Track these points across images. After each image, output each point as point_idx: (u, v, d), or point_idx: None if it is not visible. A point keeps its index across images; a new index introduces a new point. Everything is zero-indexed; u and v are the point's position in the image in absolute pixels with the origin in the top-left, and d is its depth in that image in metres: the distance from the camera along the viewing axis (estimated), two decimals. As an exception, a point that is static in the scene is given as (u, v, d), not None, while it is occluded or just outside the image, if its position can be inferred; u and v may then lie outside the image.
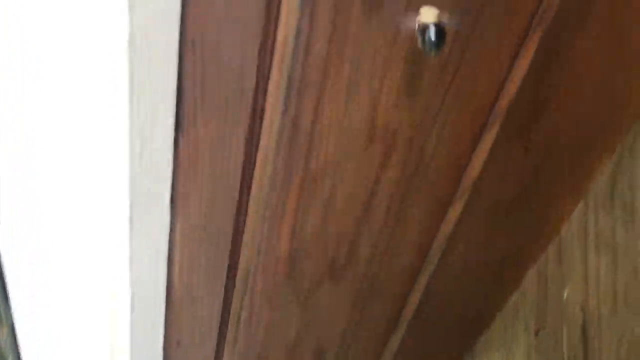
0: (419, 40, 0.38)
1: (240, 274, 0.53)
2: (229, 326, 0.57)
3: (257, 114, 0.42)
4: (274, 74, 0.40)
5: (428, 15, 0.38)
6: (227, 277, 0.52)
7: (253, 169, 0.45)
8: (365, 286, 0.62)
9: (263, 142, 0.44)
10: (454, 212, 0.58)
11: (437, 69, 0.44)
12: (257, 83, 0.40)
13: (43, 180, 0.49)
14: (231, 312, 0.56)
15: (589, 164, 0.61)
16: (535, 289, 0.70)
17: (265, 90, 0.41)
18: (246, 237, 0.50)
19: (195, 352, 0.59)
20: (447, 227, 0.59)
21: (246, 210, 0.48)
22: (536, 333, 0.70)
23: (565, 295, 0.66)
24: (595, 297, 0.62)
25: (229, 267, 0.52)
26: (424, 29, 0.37)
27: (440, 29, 0.37)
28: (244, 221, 0.49)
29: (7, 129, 0.47)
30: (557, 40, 0.47)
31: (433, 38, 0.37)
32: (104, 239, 0.44)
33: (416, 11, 0.38)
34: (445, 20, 0.37)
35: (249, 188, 0.46)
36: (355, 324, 0.66)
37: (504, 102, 0.50)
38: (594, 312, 0.62)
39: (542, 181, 0.60)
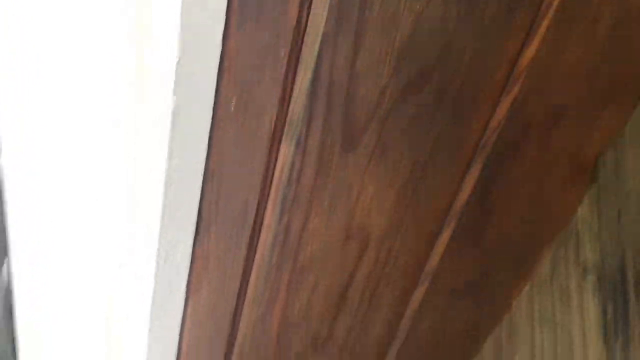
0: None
1: (236, 350, 0.62)
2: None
3: (257, 223, 0.53)
4: (272, 194, 0.51)
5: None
6: (225, 353, 0.62)
7: (252, 265, 0.55)
8: (344, 358, 0.72)
9: (261, 243, 0.54)
10: (418, 295, 0.68)
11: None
12: (259, 203, 0.51)
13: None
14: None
15: (532, 257, 0.73)
16: (491, 358, 0.80)
17: (265, 206, 0.52)
18: (243, 318, 0.60)
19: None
20: (412, 307, 0.70)
21: (244, 297, 0.58)
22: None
23: (516, 365, 0.76)
24: (540, 368, 0.73)
25: (227, 343, 0.62)
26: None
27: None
28: (243, 304, 0.59)
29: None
30: (498, 162, 0.59)
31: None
32: (129, 321, 0.54)
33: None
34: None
35: (248, 280, 0.57)
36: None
37: (457, 206, 0.62)
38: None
39: (493, 269, 0.71)
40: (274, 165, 0.49)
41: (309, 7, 0.39)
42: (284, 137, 0.47)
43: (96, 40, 0.43)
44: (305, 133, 0.47)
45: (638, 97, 0.58)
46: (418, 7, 0.40)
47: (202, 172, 0.46)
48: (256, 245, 0.55)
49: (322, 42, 0.41)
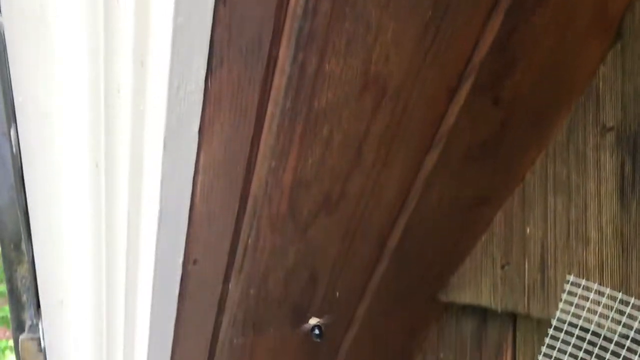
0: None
1: (250, 202, 0.62)
2: (238, 249, 0.67)
3: (271, 60, 0.51)
4: (287, 28, 0.49)
5: None
6: (239, 204, 0.62)
7: (266, 108, 0.54)
8: (354, 221, 0.72)
9: (275, 85, 0.53)
10: (433, 156, 0.67)
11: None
12: (273, 35, 0.48)
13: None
14: (240, 236, 0.66)
15: (549, 119, 0.71)
16: (502, 229, 0.80)
17: (279, 42, 0.50)
18: (257, 169, 0.59)
19: (208, 272, 0.68)
20: (426, 170, 0.69)
21: (258, 145, 0.57)
22: (502, 267, 0.80)
23: (527, 232, 0.76)
24: (553, 232, 0.73)
25: (241, 195, 0.61)
26: None
27: None
28: (256, 154, 0.58)
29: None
30: (521, 9, 0.57)
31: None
32: (140, 156, 0.53)
33: None
34: None
35: (262, 126, 0.55)
36: (345, 254, 0.76)
37: (477, 57, 0.60)
38: (551, 245, 0.73)
39: (509, 131, 0.70)
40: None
41: None
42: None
43: None
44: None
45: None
46: None
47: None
48: (270, 89, 0.53)
49: None
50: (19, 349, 1.09)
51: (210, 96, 0.50)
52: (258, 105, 0.53)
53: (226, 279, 0.71)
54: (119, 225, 0.67)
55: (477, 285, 0.84)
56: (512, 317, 0.82)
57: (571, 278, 0.70)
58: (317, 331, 0.81)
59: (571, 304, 0.70)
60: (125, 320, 0.77)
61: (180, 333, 0.75)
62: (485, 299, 0.83)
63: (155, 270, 0.62)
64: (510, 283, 0.79)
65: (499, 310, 0.80)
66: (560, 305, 0.71)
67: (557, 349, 0.74)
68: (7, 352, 7.85)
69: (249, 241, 0.66)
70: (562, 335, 0.73)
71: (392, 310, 0.90)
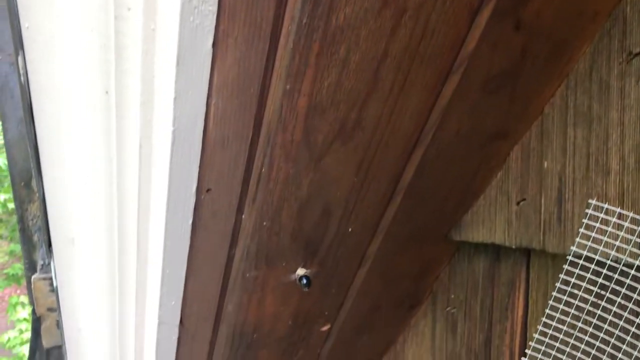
0: None
1: (264, 128, 0.61)
2: (251, 178, 0.66)
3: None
4: None
5: None
6: (253, 129, 0.60)
7: (282, 24, 0.52)
8: (370, 151, 0.70)
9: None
10: (451, 83, 0.65)
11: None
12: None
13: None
14: (254, 164, 0.64)
15: (571, 47, 0.69)
16: (518, 164, 0.79)
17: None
18: (271, 91, 0.57)
19: (222, 201, 0.67)
20: (444, 98, 0.67)
21: (273, 65, 0.55)
22: (517, 203, 0.79)
23: (545, 166, 0.75)
24: (571, 165, 0.71)
25: (255, 119, 0.60)
26: None
27: None
28: (271, 75, 0.56)
29: None
30: None
31: None
32: (151, 78, 0.52)
33: None
34: None
35: (277, 43, 0.53)
36: (359, 188, 0.75)
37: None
38: (569, 178, 0.72)
39: (529, 60, 0.68)
40: None
41: None
42: None
43: None
44: None
45: None
46: None
47: None
48: (286, 3, 0.51)
49: None
50: (32, 289, 1.09)
51: (225, 8, 0.48)
52: (274, 19, 0.51)
53: (239, 210, 0.70)
54: (130, 153, 0.66)
55: (490, 223, 0.83)
56: (526, 255, 0.82)
57: (593, 202, 0.69)
58: (304, 281, 0.80)
59: (590, 233, 0.69)
60: (138, 254, 0.77)
61: (194, 265, 0.75)
62: (499, 237, 0.82)
63: (169, 197, 0.62)
64: (525, 219, 0.78)
65: (513, 246, 0.79)
66: (577, 239, 0.70)
67: (571, 284, 0.74)
68: (19, 307, 8.00)
69: (263, 170, 0.65)
70: (577, 271, 0.72)
71: (404, 248, 0.90)
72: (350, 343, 1.07)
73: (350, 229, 0.80)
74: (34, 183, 0.88)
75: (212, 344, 0.90)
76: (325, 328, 1.00)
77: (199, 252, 0.73)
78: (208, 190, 0.64)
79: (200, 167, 0.61)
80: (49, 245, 1.00)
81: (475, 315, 0.90)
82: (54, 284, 1.10)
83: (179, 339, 0.83)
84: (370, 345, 1.10)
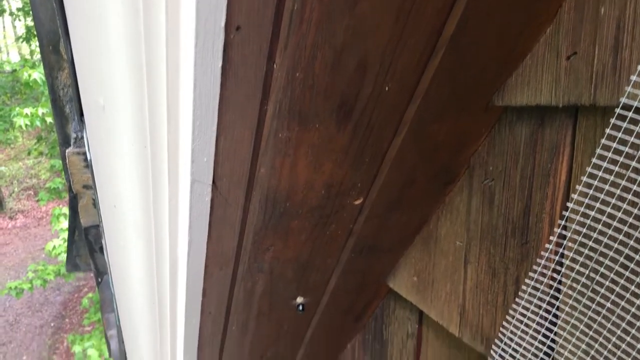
0: None
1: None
2: (283, 17, 0.62)
3: None
4: None
5: None
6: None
7: None
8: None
9: None
10: None
11: None
12: None
13: None
14: (285, 1, 0.60)
15: None
16: (570, 15, 0.72)
17: None
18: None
19: (252, 42, 0.64)
20: None
21: None
22: (567, 58, 0.74)
23: (601, 13, 0.68)
24: (632, 7, 0.65)
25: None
26: None
27: None
28: None
29: None
30: None
31: None
32: None
33: None
34: None
35: None
36: (397, 40, 0.71)
37: None
38: (628, 23, 0.66)
39: None
40: None
41: None
42: None
43: None
44: None
45: None
46: None
47: None
48: None
49: None
50: (67, 164, 1.11)
51: None
52: None
53: (270, 56, 0.67)
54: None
55: (536, 83, 0.78)
56: (573, 116, 0.77)
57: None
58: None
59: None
60: (168, 110, 0.75)
61: (225, 121, 0.73)
62: (546, 97, 0.77)
63: (197, 31, 0.58)
64: (575, 74, 0.73)
65: (560, 105, 0.75)
66: (629, 88, 0.65)
67: (617, 139, 0.69)
68: (61, 218, 8.34)
69: (295, 7, 0.61)
70: (625, 124, 0.68)
71: (443, 116, 0.86)
72: (382, 220, 1.06)
73: (387, 88, 0.77)
74: (61, 47, 0.87)
75: (245, 211, 0.90)
76: (358, 202, 0.99)
77: (229, 106, 0.70)
78: (238, 28, 0.61)
79: (228, 1, 0.57)
80: (81, 114, 0.99)
81: (514, 185, 0.87)
82: (88, 158, 1.11)
83: (212, 200, 0.83)
84: (403, 224, 1.09)
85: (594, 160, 0.70)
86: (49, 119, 7.82)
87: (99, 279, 1.47)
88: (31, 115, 7.59)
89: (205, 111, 0.69)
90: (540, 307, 0.83)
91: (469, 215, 0.97)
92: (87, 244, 1.33)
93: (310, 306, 1.32)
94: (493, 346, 0.92)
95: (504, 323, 0.88)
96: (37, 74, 7.42)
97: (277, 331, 1.36)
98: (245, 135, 0.76)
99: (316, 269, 1.16)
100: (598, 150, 0.70)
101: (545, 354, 0.83)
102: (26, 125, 7.56)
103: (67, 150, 1.06)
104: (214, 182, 0.80)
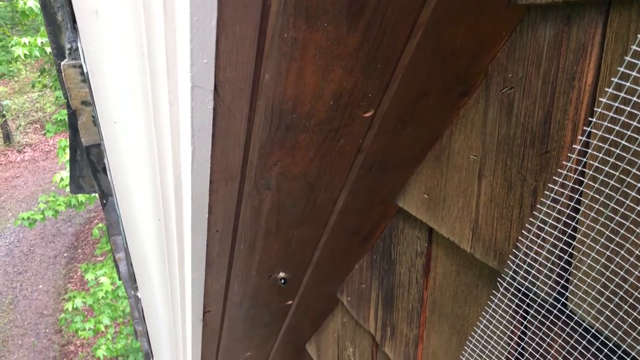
0: None
1: None
2: None
3: None
4: None
5: None
6: None
7: None
8: None
9: None
10: None
11: None
12: None
13: None
14: None
15: None
16: None
17: None
18: None
19: None
20: None
21: None
22: (602, -56, 0.67)
23: None
24: None
25: None
26: None
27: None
28: None
29: None
30: None
31: None
32: None
33: None
34: None
35: None
36: None
37: None
38: None
39: None
40: None
41: None
42: None
43: None
44: None
45: None
46: None
47: None
48: None
49: None
50: (63, 78, 1.06)
51: None
52: None
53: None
54: None
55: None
56: (604, 12, 0.71)
57: None
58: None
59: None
60: (165, 5, 0.69)
61: (225, 16, 0.67)
62: (575, -10, 0.71)
63: None
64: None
65: (592, -3, 0.68)
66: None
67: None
68: (67, 149, 8.35)
69: None
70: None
71: (461, 16, 0.80)
72: (393, 134, 1.01)
73: (401, -18, 0.70)
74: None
75: (250, 122, 0.86)
76: (368, 114, 0.94)
77: None
78: None
79: None
80: (74, 22, 0.93)
81: (535, 92, 0.81)
82: (85, 70, 1.06)
83: (214, 110, 0.79)
84: (414, 139, 1.05)
85: (627, 58, 0.65)
86: (49, 49, 7.67)
87: (104, 201, 1.45)
88: (30, 45, 7.43)
89: (203, 3, 0.63)
90: (559, 220, 0.80)
91: (485, 127, 0.93)
92: (89, 164, 1.30)
93: (318, 227, 1.30)
94: (508, 262, 0.90)
95: (520, 237, 0.86)
96: (32, 2, 7.21)
97: (284, 250, 1.35)
98: (248, 33, 0.70)
99: (324, 188, 1.13)
100: (633, 47, 0.64)
101: (563, 269, 0.81)
102: (25, 55, 7.41)
103: (62, 63, 1.01)
104: (215, 88, 0.75)
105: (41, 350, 11.25)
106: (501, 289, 0.88)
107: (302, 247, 1.36)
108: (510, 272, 0.89)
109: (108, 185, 1.38)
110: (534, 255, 0.84)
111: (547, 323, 0.85)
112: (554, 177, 0.78)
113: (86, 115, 1.14)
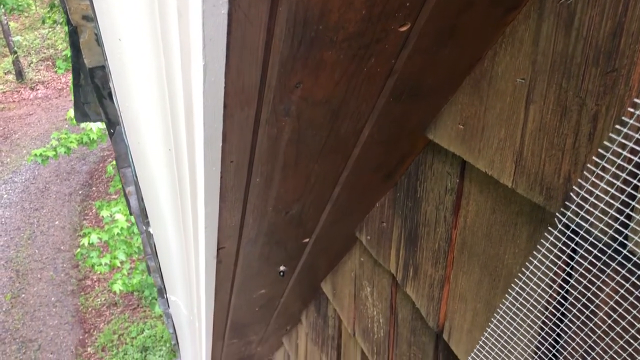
0: None
1: None
2: None
3: None
4: None
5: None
6: None
7: None
8: None
9: None
10: None
11: None
12: None
13: None
14: None
15: None
16: None
17: None
18: None
19: None
20: None
21: None
22: None
23: None
24: None
25: None
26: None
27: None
28: None
29: None
30: None
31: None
32: None
33: None
34: None
35: None
36: None
37: None
38: None
39: None
40: None
41: None
42: None
43: None
44: None
45: None
46: None
47: None
48: None
49: None
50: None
51: None
52: None
53: None
54: None
55: None
56: None
57: None
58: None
59: None
60: None
61: None
62: None
63: None
64: None
65: None
66: None
67: None
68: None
69: None
70: None
71: None
72: (429, 55, 0.90)
73: None
74: None
75: (270, 33, 0.75)
76: (404, 28, 0.83)
77: None
78: None
79: None
80: None
81: (604, 1, 0.69)
82: (84, -22, 0.94)
83: (229, 15, 0.68)
84: (452, 61, 0.93)
85: None
86: (58, -19, 7.43)
87: (112, 130, 1.36)
88: (39, -24, 7.18)
89: None
90: (636, 153, 0.68)
91: (537, 45, 0.81)
92: (94, 89, 1.20)
93: (341, 160, 1.21)
94: (570, 197, 0.80)
95: (585, 172, 0.75)
96: None
97: (303, 186, 1.26)
98: None
99: (349, 116, 1.03)
100: None
101: (624, 203, 0.71)
102: (34, -13, 7.18)
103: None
104: (230, -11, 0.65)
105: (59, 284, 11.56)
106: (560, 226, 0.78)
107: (321, 182, 1.28)
108: (568, 212, 0.79)
109: (115, 113, 1.29)
110: (599, 194, 0.74)
111: (599, 264, 0.77)
112: (634, 100, 0.67)
113: (88, 33, 1.03)
